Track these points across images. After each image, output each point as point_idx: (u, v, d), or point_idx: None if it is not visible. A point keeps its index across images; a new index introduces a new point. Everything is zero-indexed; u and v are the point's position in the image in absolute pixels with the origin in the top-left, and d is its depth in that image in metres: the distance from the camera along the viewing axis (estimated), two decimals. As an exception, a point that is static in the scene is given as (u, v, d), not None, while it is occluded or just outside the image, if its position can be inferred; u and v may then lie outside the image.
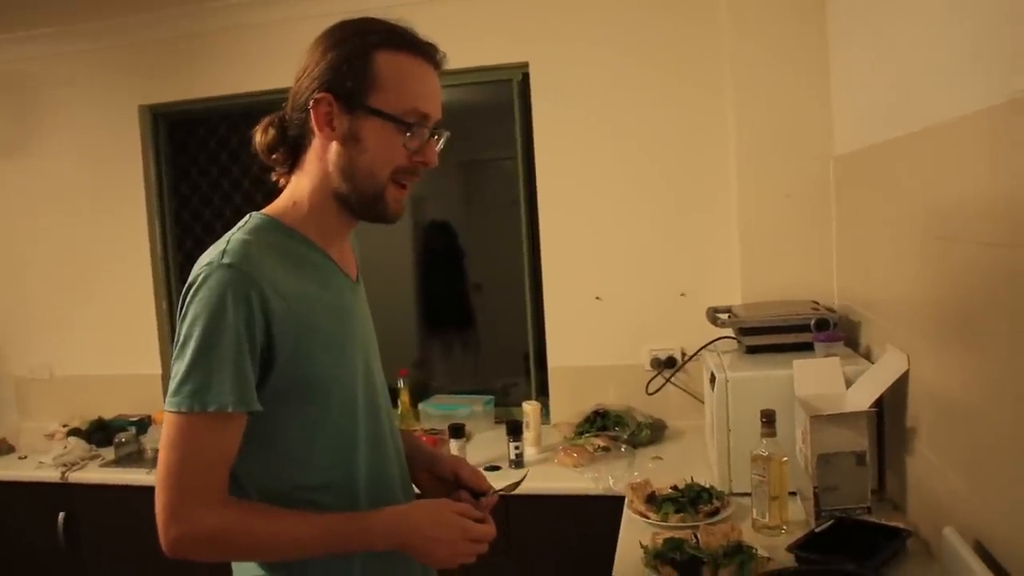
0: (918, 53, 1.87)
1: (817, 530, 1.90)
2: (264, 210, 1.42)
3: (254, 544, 1.30)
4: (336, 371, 1.39)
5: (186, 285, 1.28)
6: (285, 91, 3.54)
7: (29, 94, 3.93)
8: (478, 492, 1.55)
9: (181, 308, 1.28)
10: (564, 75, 3.28)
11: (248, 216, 1.41)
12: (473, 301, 6.11)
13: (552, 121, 3.31)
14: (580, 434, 2.99)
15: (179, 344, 1.26)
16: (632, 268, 3.26)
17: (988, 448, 1.55)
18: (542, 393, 3.45)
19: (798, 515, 2.08)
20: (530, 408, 2.99)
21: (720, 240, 3.10)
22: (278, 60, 3.51)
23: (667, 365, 3.17)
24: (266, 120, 1.44)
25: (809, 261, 2.83)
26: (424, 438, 3.08)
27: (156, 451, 3.13)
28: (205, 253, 1.32)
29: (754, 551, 1.81)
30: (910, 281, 2.00)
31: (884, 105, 2.18)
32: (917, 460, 1.98)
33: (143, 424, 3.58)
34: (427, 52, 1.39)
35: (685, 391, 3.15)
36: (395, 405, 3.36)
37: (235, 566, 1.44)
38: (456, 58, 3.32)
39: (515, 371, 4.02)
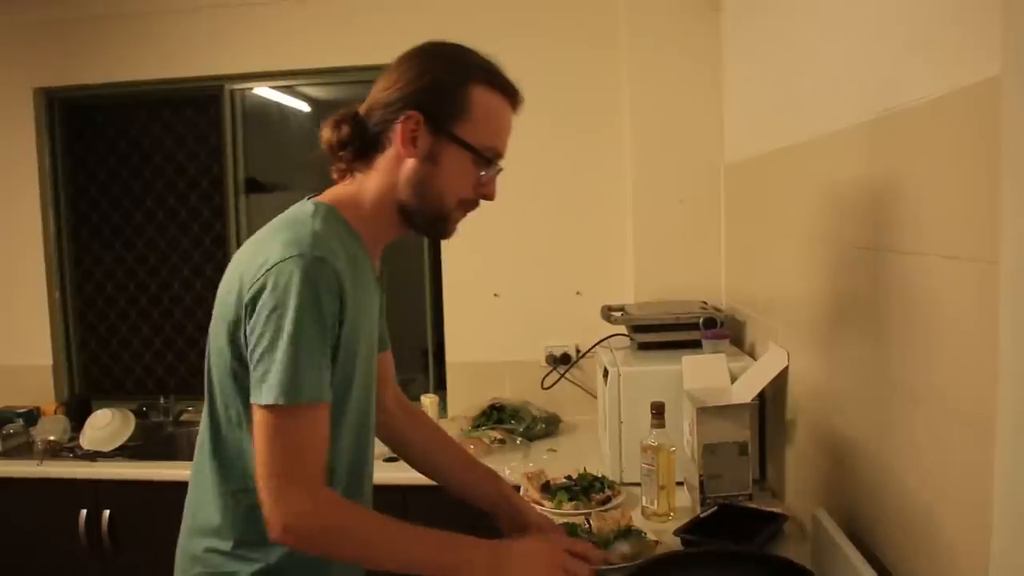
0: (800, 71, 2.01)
1: (702, 516, 2.00)
2: (325, 199, 1.45)
3: (362, 539, 1.34)
4: (362, 366, 1.44)
5: (264, 272, 1.29)
6: (187, 80, 3.49)
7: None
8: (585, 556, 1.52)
9: (259, 296, 1.29)
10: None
11: (314, 204, 1.42)
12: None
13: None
14: (477, 427, 3.04)
15: (269, 337, 1.27)
16: (530, 266, 3.34)
17: (854, 437, 1.68)
18: (440, 387, 3.49)
19: (685, 502, 2.18)
20: (428, 401, 3.04)
21: (615, 241, 3.21)
22: (179, 49, 3.53)
23: (562, 361, 3.27)
24: (339, 116, 1.45)
25: (699, 263, 2.97)
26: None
27: (45, 442, 3.10)
28: (277, 241, 1.33)
29: (643, 534, 1.90)
30: (789, 283, 2.14)
31: (770, 117, 2.32)
32: (794, 450, 2.11)
33: (31, 416, 3.47)
34: (515, 95, 1.47)
35: (579, 386, 3.25)
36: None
37: None
38: (360, 55, 3.37)
39: (412, 365, 4.05)
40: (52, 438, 3.17)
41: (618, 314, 2.72)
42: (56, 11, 3.63)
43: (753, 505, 2.06)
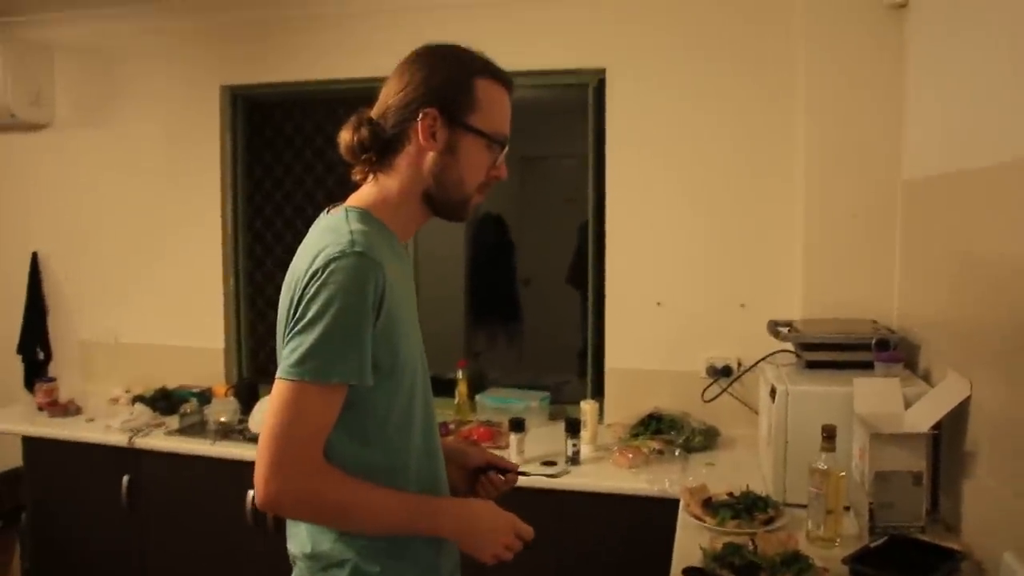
0: (1000, 87, 1.91)
1: (872, 545, 1.95)
2: (353, 203, 1.55)
3: (341, 510, 1.44)
4: (408, 354, 1.51)
5: (312, 271, 1.38)
6: (361, 81, 3.57)
7: (113, 67, 4.06)
8: (507, 470, 1.80)
9: (304, 291, 1.38)
10: (640, 84, 3.33)
11: (343, 209, 1.53)
12: (522, 296, 6.19)
13: (625, 127, 3.36)
14: (635, 436, 3.04)
15: (305, 322, 1.37)
16: (694, 276, 3.31)
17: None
18: (597, 392, 3.50)
19: (851, 529, 2.14)
20: (588, 407, 3.05)
21: (783, 254, 3.14)
22: (357, 50, 3.65)
23: (723, 374, 3.23)
24: (354, 121, 1.55)
25: (871, 281, 2.86)
26: (480, 430, 3.16)
27: (218, 423, 3.27)
28: (322, 243, 1.42)
29: (811, 561, 1.87)
30: (975, 310, 2.05)
31: (959, 135, 2.22)
32: (974, 484, 2.02)
33: (205, 396, 3.68)
34: (510, 82, 1.58)
35: (739, 400, 3.21)
36: (452, 395, 3.46)
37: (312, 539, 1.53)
38: (535, 60, 3.43)
39: (566, 368, 4.08)
40: (223, 419, 3.35)
41: (786, 330, 2.66)
42: (241, 13, 3.83)
43: (927, 539, 1.99)
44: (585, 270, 3.58)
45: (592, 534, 2.76)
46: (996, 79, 1.97)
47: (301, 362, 1.36)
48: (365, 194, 1.57)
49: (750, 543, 1.98)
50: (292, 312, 1.40)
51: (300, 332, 1.37)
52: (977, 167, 2.05)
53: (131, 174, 4.07)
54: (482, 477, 1.79)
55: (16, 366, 4.22)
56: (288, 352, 1.38)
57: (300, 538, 1.56)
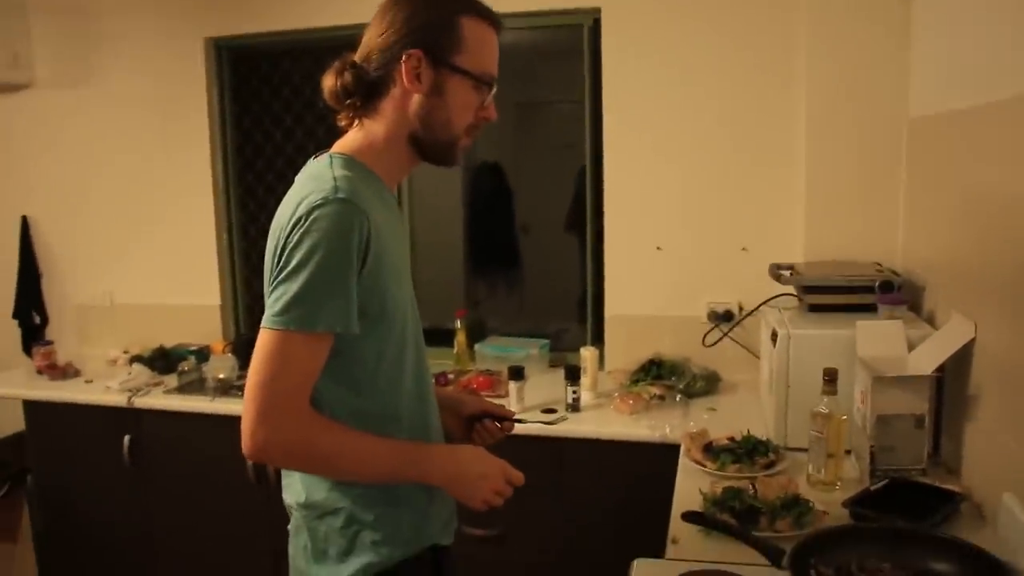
0: (1011, 16, 1.85)
1: (872, 488, 1.94)
2: (338, 150, 1.53)
3: (329, 458, 1.43)
4: (397, 301, 1.49)
5: (295, 218, 1.36)
6: (348, 28, 3.50)
7: (94, 24, 3.97)
8: (504, 418, 1.81)
9: (288, 239, 1.36)
10: (636, 22, 3.23)
11: (328, 156, 1.51)
12: (521, 243, 6.15)
13: (622, 68, 3.27)
14: (635, 382, 3.03)
15: (288, 269, 1.35)
16: (694, 220, 3.25)
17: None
18: (597, 339, 3.47)
19: (852, 473, 2.13)
20: (588, 354, 3.03)
21: (784, 197, 3.09)
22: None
23: (724, 319, 3.19)
24: (337, 66, 1.51)
25: (874, 223, 2.82)
26: (479, 379, 3.15)
27: (216, 380, 3.26)
28: (305, 191, 1.40)
29: (811, 504, 1.86)
30: (981, 251, 2.01)
31: (967, 70, 2.16)
32: (976, 427, 2.00)
33: (202, 354, 3.66)
34: (498, 21, 1.54)
35: (740, 345, 3.18)
36: (451, 345, 3.45)
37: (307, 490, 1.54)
38: (528, 1, 3.32)
39: (566, 315, 4.05)
40: (222, 376, 3.34)
41: (787, 273, 2.63)
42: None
43: (927, 481, 1.98)
44: (584, 216, 3.53)
45: (593, 481, 2.75)
46: (1001, 13, 1.91)
47: (285, 310, 1.34)
48: (350, 140, 1.54)
49: (750, 487, 1.97)
50: (276, 260, 1.38)
51: (284, 280, 1.35)
52: (980, 104, 1.99)
53: (117, 132, 4.01)
54: (477, 425, 1.80)
55: (12, 331, 4.20)
56: (272, 301, 1.37)
57: (295, 488, 1.56)
